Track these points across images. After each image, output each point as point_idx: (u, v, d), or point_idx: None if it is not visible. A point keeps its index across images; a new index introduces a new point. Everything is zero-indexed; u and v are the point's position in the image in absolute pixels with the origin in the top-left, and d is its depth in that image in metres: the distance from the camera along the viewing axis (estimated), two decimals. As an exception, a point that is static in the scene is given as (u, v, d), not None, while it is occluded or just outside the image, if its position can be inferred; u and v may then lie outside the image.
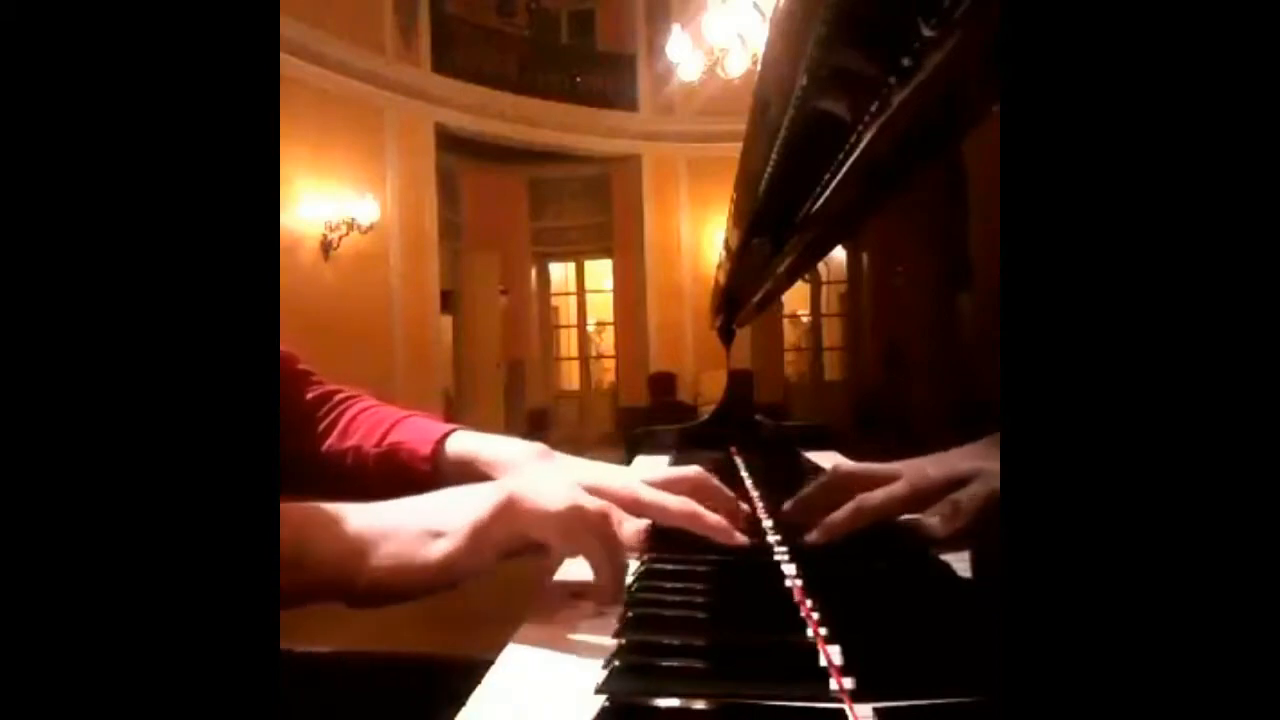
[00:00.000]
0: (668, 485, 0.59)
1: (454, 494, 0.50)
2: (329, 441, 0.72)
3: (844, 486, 0.56)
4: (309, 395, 0.74)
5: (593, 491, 0.56)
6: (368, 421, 0.73)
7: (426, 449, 0.67)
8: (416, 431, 0.70)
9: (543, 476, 0.61)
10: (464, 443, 0.68)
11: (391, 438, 0.70)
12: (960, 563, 0.46)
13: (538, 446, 0.66)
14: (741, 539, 0.57)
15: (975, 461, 0.42)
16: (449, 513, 0.47)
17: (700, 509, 0.57)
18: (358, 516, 0.46)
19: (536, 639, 0.43)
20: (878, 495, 0.53)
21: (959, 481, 0.44)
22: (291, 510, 0.44)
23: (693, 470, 0.61)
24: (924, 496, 0.49)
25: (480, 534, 0.46)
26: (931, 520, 0.48)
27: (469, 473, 0.65)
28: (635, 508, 0.57)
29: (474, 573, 0.47)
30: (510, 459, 0.65)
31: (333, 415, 0.74)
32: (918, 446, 0.54)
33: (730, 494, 0.61)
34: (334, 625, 0.51)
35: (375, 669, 0.66)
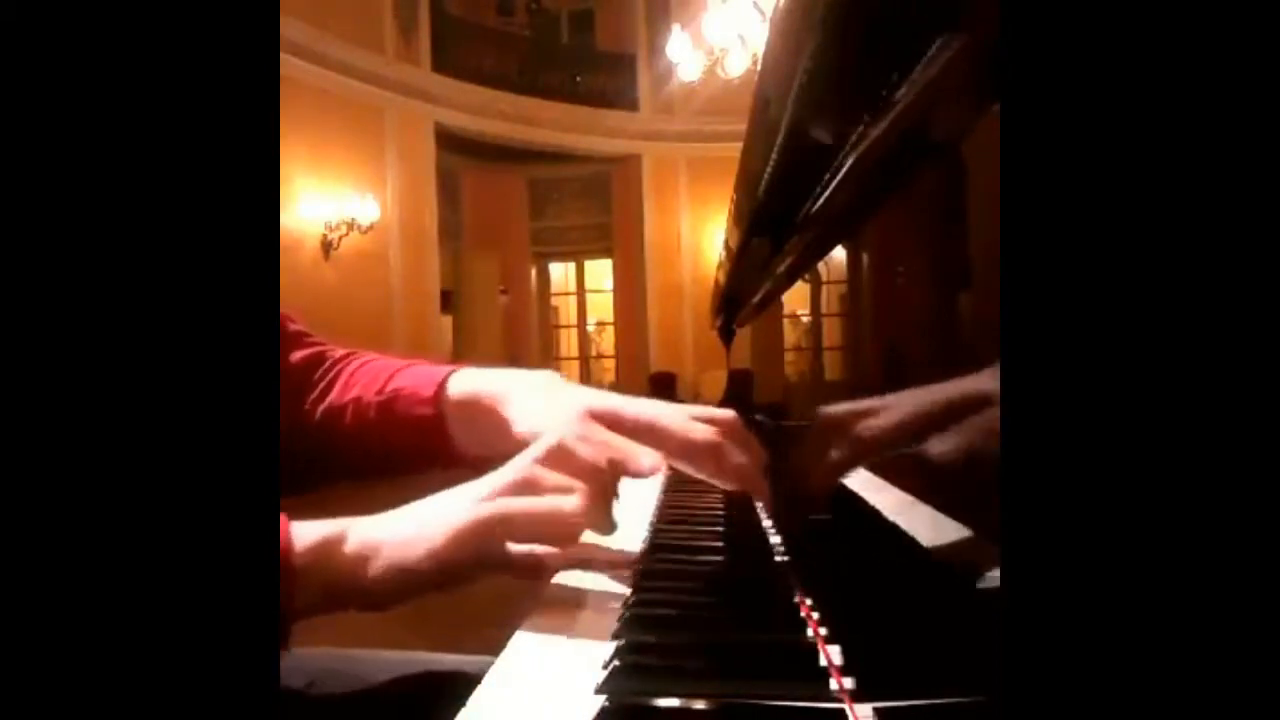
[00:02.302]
0: (693, 419, 0.53)
1: (453, 493, 0.48)
2: (330, 399, 0.68)
3: (834, 429, 0.54)
4: (296, 356, 0.71)
5: (605, 417, 0.52)
6: (368, 373, 0.69)
7: (428, 391, 0.63)
8: (418, 376, 0.66)
9: (545, 406, 0.57)
10: (467, 381, 0.64)
11: (392, 385, 0.66)
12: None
13: (545, 375, 0.61)
14: (765, 490, 0.53)
15: (965, 391, 0.41)
16: (441, 512, 0.47)
17: (727, 445, 0.52)
18: (358, 529, 0.46)
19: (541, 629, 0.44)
20: (874, 424, 0.50)
21: (954, 409, 0.42)
22: (303, 528, 0.45)
23: (724, 412, 0.55)
24: (920, 425, 0.46)
25: (463, 536, 0.45)
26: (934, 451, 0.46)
27: (473, 411, 0.62)
28: (652, 435, 0.52)
29: (474, 567, 0.46)
30: (514, 389, 0.60)
31: (331, 373, 0.70)
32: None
33: (760, 449, 0.55)
34: (334, 626, 0.51)
35: (375, 669, 0.65)
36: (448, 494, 0.48)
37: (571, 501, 0.46)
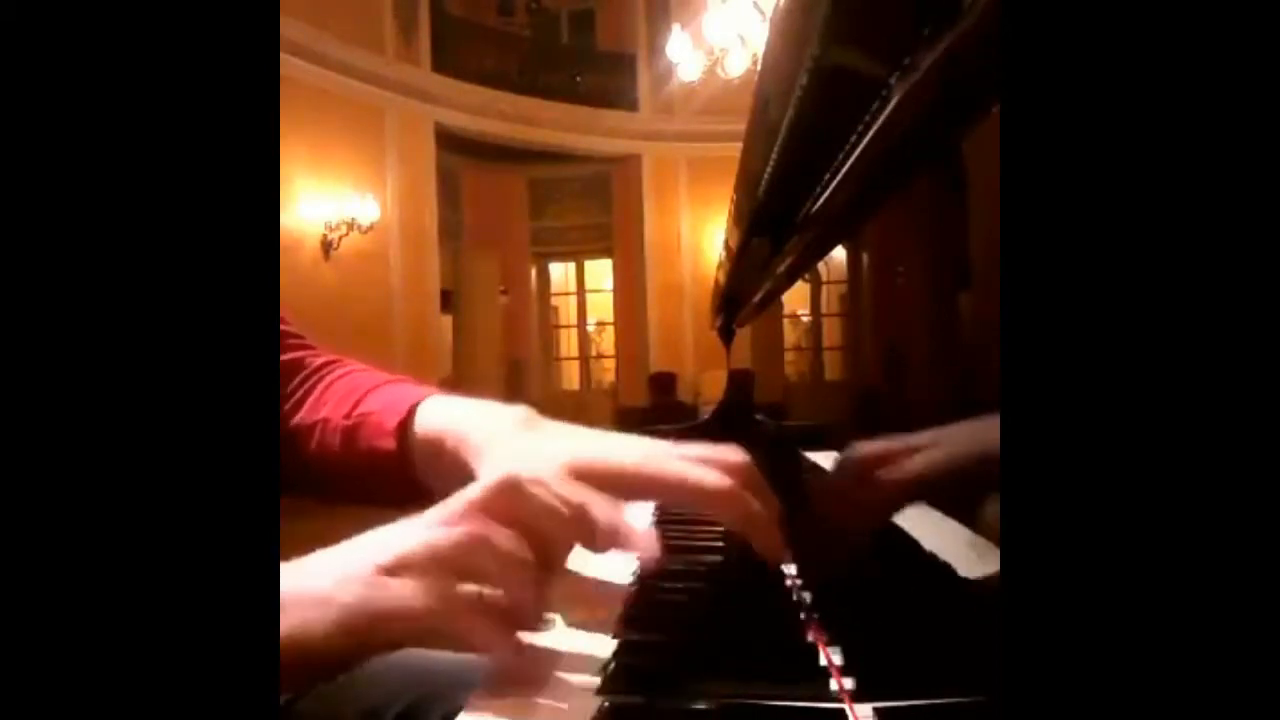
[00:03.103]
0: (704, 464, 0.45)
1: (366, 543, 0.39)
2: (299, 416, 0.61)
3: (862, 471, 0.47)
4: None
5: (588, 473, 0.44)
6: (341, 390, 0.61)
7: (392, 423, 0.56)
8: (388, 400, 0.58)
9: (519, 457, 0.48)
10: (435, 414, 0.56)
11: (361, 408, 0.58)
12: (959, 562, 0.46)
13: (519, 414, 0.52)
14: (779, 548, 0.44)
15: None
16: (348, 576, 0.38)
17: (749, 497, 0.43)
18: None
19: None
20: (917, 462, 0.43)
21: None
22: None
23: (737, 456, 0.46)
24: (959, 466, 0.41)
25: (351, 623, 0.36)
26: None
27: (437, 450, 0.54)
28: (655, 488, 0.45)
29: (380, 647, 0.38)
30: (483, 435, 0.51)
31: (307, 384, 0.63)
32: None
33: (775, 499, 0.46)
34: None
35: (377, 667, 0.65)
36: (365, 541, 0.39)
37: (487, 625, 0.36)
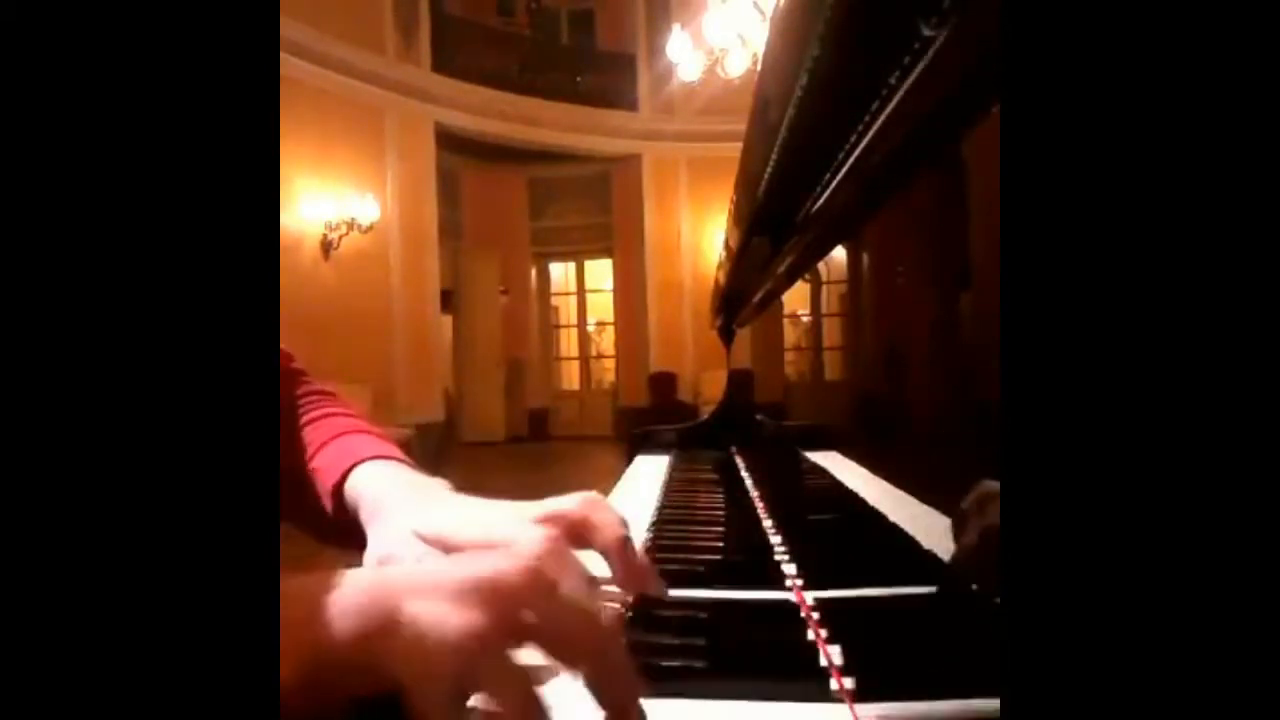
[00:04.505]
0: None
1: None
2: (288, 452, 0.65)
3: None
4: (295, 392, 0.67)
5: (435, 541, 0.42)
6: (308, 436, 0.64)
7: (330, 483, 0.58)
8: (334, 458, 0.60)
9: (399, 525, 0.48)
10: (360, 478, 0.57)
11: (315, 461, 0.61)
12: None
13: (417, 485, 0.53)
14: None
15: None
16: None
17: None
18: None
19: None
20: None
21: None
22: None
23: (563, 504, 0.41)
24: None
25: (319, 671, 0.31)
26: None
27: (355, 516, 0.55)
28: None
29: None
30: (380, 504, 0.53)
31: (287, 419, 0.66)
32: (918, 447, 0.54)
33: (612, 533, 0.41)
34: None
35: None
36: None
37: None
